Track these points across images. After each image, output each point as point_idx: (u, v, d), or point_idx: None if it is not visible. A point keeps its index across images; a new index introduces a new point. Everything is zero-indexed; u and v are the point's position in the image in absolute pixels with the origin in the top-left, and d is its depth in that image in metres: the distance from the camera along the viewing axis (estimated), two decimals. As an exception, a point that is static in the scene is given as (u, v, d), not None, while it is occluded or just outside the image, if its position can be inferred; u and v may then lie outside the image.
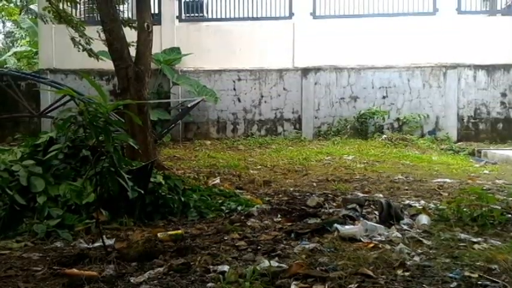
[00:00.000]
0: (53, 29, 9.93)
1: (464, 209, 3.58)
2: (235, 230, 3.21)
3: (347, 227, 3.15)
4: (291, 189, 4.97)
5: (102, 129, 2.61)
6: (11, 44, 17.56)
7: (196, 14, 10.74)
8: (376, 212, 3.58)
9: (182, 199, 3.83)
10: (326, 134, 10.10)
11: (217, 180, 5.29)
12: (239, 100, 10.35)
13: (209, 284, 2.22)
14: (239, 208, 3.91)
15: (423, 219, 3.36)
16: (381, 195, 4.41)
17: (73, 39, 6.68)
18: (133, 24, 6.22)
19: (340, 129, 10.03)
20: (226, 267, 2.40)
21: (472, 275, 2.31)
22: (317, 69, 10.19)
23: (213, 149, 9.05)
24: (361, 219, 3.40)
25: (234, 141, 9.85)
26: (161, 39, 9.96)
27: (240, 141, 9.79)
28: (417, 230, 3.18)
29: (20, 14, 13.23)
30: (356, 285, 2.18)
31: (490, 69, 9.94)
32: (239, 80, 10.28)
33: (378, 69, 10.08)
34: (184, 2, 10.67)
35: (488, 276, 2.30)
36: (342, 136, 9.77)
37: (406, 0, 10.19)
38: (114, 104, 2.77)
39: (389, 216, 3.37)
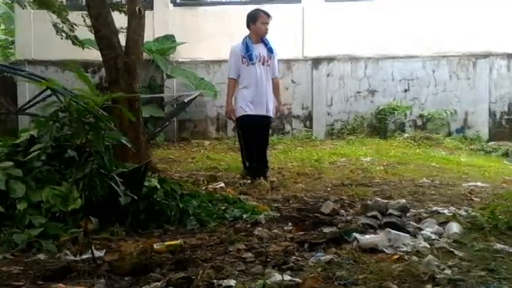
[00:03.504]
0: (32, 15, 9.94)
1: (500, 216, 3.58)
2: (240, 240, 3.22)
3: (367, 236, 3.15)
4: (302, 194, 4.97)
5: (91, 126, 2.61)
6: (-17, 33, 17.60)
7: (193, -3, 10.75)
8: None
9: (180, 205, 3.83)
10: (339, 132, 10.08)
11: (220, 185, 5.30)
12: (241, 94, 10.35)
13: (213, 301, 2.22)
14: (244, 216, 3.91)
15: (454, 227, 3.36)
16: (404, 201, 4.39)
17: (54, 25, 6.71)
18: (123, 9, 6.24)
19: (356, 127, 10.00)
20: (232, 282, 2.40)
21: (512, 290, 2.31)
22: (330, 59, 10.18)
23: (212, 149, 9.05)
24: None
25: (235, 141, 9.82)
26: (154, 26, 9.94)
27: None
28: (448, 240, 3.18)
29: (-7, -2, 13.27)
30: (380, 301, 2.18)
31: (527, 58, 9.91)
32: (241, 71, 10.28)
33: (399, 59, 10.05)
34: (179, -16, 10.68)
35: (529, 292, 2.30)
36: (358, 135, 9.75)
37: (430, -19, 10.17)
38: (104, 97, 2.77)
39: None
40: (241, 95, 5.79)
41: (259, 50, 5.82)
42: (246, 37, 5.90)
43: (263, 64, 5.79)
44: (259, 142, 5.86)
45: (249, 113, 5.72)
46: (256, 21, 5.87)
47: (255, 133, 5.83)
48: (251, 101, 5.72)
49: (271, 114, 5.90)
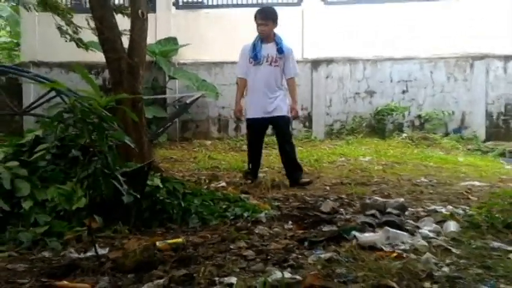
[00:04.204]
0: (37, 18, 9.97)
1: (497, 215, 3.58)
2: (241, 238, 3.22)
3: (366, 234, 3.15)
4: (302, 193, 4.97)
5: (95, 127, 2.61)
6: (-11, 35, 17.61)
7: (195, 0, 10.76)
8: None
9: (183, 204, 3.83)
10: (338, 132, 10.08)
11: (221, 184, 5.31)
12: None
13: (215, 297, 2.22)
14: (245, 214, 3.90)
15: (451, 225, 3.36)
16: (402, 200, 4.40)
17: (59, 28, 6.71)
18: (126, 12, 6.23)
19: (355, 127, 10.01)
20: (233, 279, 2.40)
21: (508, 287, 2.30)
22: (329, 61, 10.18)
23: (214, 149, 9.06)
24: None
25: (236, 141, 9.85)
26: (156, 29, 9.96)
27: (243, 141, 9.76)
28: (445, 238, 3.18)
29: (-1, 1, 13.27)
30: (378, 298, 2.18)
31: (522, 60, 9.90)
32: (242, 73, 10.27)
33: (397, 60, 10.05)
34: (182, -13, 10.69)
35: (525, 289, 2.29)
36: (357, 135, 9.75)
37: (428, -16, 10.17)
38: (108, 98, 2.77)
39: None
40: (249, 96, 5.64)
41: (268, 50, 5.53)
42: (257, 36, 5.65)
43: (271, 64, 5.52)
44: (280, 144, 5.72)
45: (255, 116, 5.56)
46: (255, 22, 5.63)
47: (260, 136, 5.72)
48: (258, 103, 5.52)
49: (284, 113, 5.56)
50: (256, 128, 5.65)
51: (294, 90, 5.76)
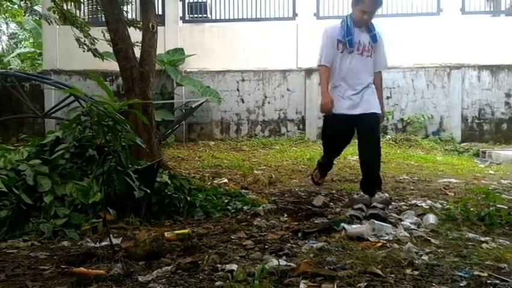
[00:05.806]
0: (57, 30, 9.97)
1: (471, 209, 3.57)
2: (242, 229, 3.20)
3: (354, 226, 3.13)
4: (296, 189, 4.96)
5: (110, 128, 2.60)
6: (14, 46, 17.61)
7: (200, 15, 10.76)
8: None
9: (188, 198, 3.82)
10: (329, 134, 10.07)
11: (223, 180, 5.29)
12: (242, 101, 10.35)
13: (218, 283, 2.20)
14: (245, 208, 3.90)
15: (431, 218, 3.35)
16: (386, 195, 4.39)
17: (77, 39, 6.71)
18: (138, 25, 6.24)
19: (344, 129, 10.00)
20: (234, 266, 2.39)
21: (481, 274, 2.30)
22: (321, 70, 10.16)
23: (217, 149, 9.05)
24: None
25: (237, 142, 9.85)
26: (165, 40, 9.98)
27: (243, 142, 9.79)
28: (425, 230, 3.17)
29: (24, 15, 13.26)
30: (365, 283, 2.17)
31: (494, 69, 9.92)
32: (243, 80, 10.28)
33: (382, 69, 10.05)
34: (188, 3, 10.70)
35: (497, 275, 2.29)
36: (346, 137, 9.74)
37: (410, 0, 10.18)
38: (121, 103, 2.77)
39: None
40: (332, 89, 4.21)
41: (360, 36, 4.15)
42: (347, 17, 4.18)
43: (362, 54, 4.13)
44: (367, 148, 4.22)
45: (339, 112, 4.16)
46: (357, 4, 4.10)
47: (345, 138, 4.48)
48: (342, 99, 4.16)
49: (375, 110, 4.13)
50: (340, 127, 4.31)
51: (381, 87, 4.33)
